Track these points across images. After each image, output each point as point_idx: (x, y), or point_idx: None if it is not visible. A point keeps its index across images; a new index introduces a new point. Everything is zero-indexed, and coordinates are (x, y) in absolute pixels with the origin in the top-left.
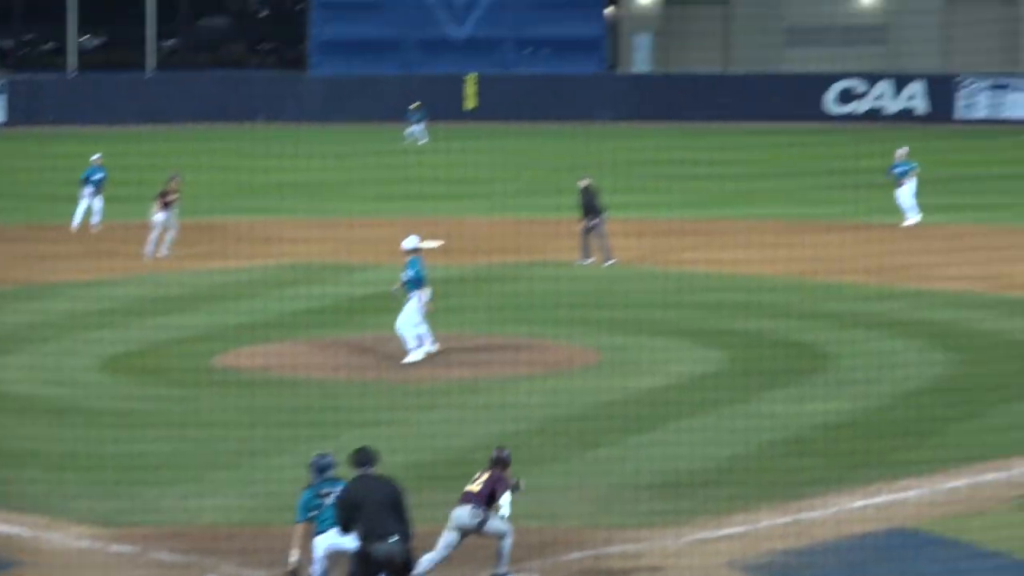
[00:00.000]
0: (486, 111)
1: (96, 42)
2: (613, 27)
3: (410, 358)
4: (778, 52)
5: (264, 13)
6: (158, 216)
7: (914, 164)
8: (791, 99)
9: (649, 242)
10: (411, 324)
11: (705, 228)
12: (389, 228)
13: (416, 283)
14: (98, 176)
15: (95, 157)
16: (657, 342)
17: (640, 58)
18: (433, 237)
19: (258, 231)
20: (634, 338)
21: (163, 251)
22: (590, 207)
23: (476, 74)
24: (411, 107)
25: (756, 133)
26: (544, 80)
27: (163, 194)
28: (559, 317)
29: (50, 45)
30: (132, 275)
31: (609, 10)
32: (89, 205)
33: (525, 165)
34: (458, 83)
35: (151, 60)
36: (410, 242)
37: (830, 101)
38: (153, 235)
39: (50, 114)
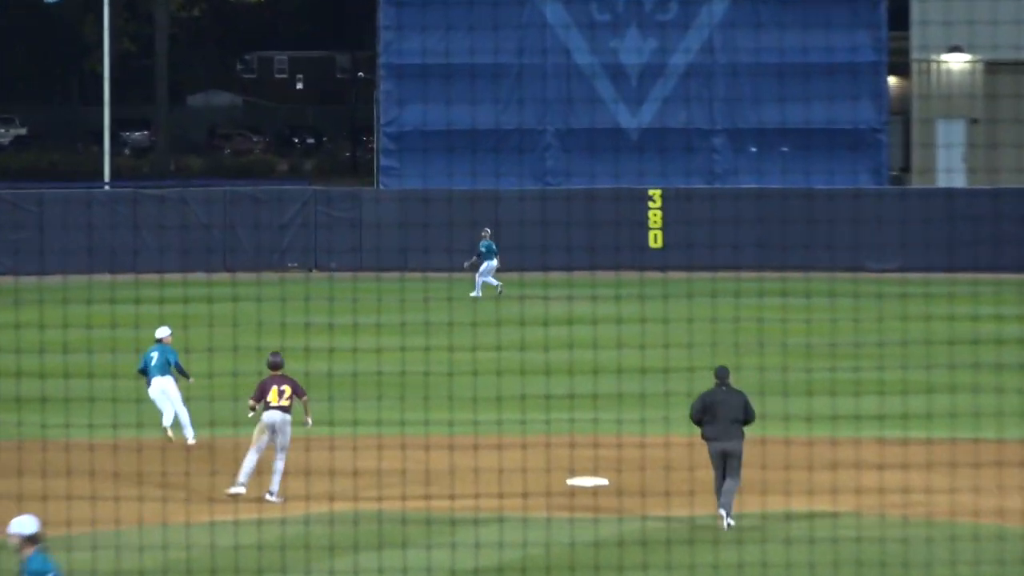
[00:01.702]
0: (680, 251)
1: (13, 132)
2: (902, 110)
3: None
4: None
5: (299, 84)
6: (276, 419)
7: None
8: None
9: (988, 475)
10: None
11: None
12: (513, 452)
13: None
14: (171, 359)
15: (164, 334)
16: None
17: (948, 162)
18: (591, 471)
19: (298, 457)
20: None
21: (273, 491)
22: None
23: (661, 189)
24: (482, 236)
25: None
26: (780, 199)
27: (270, 386)
28: None
29: None
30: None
31: (893, 80)
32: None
33: (744, 346)
34: (634, 204)
35: (106, 166)
36: (162, 332)
37: None
38: (251, 460)
39: None
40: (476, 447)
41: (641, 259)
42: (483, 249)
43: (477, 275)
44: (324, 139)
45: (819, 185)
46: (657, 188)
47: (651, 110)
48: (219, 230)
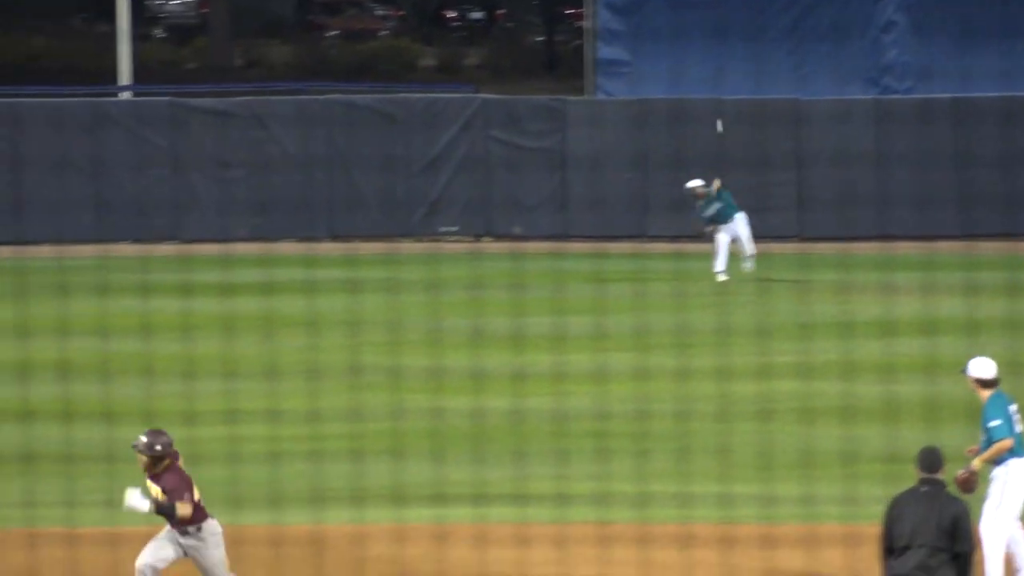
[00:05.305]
0: None
1: None
2: None
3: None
4: None
5: None
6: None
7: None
8: None
9: None
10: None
11: None
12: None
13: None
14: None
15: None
16: None
17: None
18: None
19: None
20: None
21: None
22: None
23: None
24: (702, 188)
25: None
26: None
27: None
28: None
29: None
30: None
31: None
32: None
33: None
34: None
35: (123, 60)
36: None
37: None
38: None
39: None
40: None
41: None
42: (712, 210)
43: (716, 262)
44: (498, 12)
45: None
46: None
47: None
48: (321, 169)
